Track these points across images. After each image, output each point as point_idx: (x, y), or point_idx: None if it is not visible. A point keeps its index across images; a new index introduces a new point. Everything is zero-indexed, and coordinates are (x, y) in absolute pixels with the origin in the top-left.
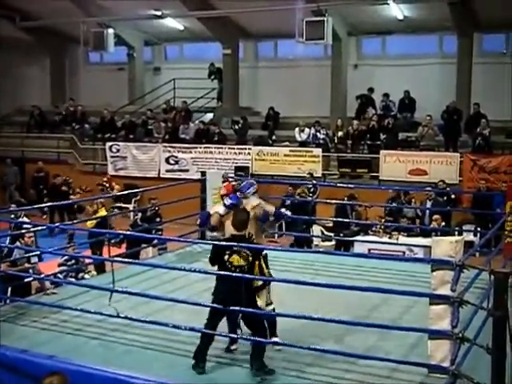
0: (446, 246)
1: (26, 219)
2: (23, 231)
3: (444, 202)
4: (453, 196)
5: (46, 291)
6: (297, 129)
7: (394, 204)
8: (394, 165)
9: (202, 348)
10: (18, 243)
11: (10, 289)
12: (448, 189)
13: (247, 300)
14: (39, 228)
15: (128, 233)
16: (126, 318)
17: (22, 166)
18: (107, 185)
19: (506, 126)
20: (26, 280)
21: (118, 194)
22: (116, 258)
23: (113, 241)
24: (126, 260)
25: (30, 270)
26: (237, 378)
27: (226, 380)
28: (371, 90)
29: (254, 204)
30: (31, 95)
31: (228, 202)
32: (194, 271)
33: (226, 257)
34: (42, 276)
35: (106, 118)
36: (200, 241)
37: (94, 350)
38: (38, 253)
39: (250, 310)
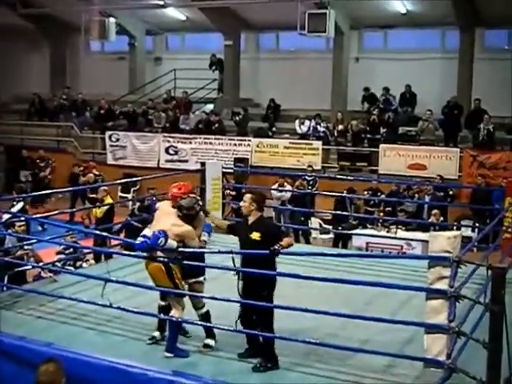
0: (443, 241)
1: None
2: (14, 220)
3: (442, 197)
4: (451, 192)
5: (49, 278)
6: (297, 121)
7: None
8: (394, 159)
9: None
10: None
11: (6, 277)
12: (442, 184)
13: None
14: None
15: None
16: (119, 308)
17: (20, 154)
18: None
19: (506, 123)
20: (23, 268)
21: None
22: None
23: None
24: (123, 252)
25: (26, 257)
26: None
27: (222, 372)
28: (367, 89)
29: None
30: (31, 83)
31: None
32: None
33: None
34: (40, 264)
35: (104, 108)
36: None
37: (91, 338)
38: (34, 241)
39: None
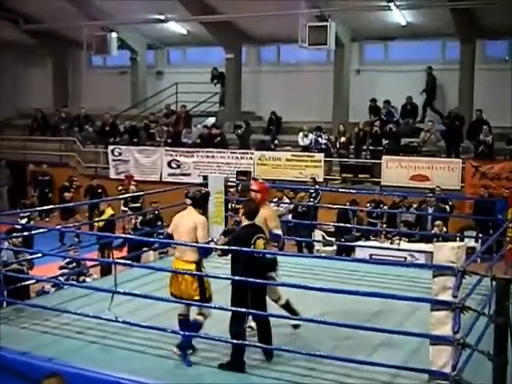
0: (447, 252)
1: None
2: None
3: (445, 209)
4: (450, 203)
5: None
6: (301, 133)
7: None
8: (396, 170)
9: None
10: (6, 244)
11: (6, 292)
12: (443, 195)
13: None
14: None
15: (131, 237)
16: (124, 322)
17: (23, 169)
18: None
19: (508, 133)
20: (26, 283)
21: (121, 196)
22: (120, 261)
23: (114, 244)
24: (130, 262)
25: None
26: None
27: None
28: (374, 100)
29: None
30: (33, 98)
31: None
32: (196, 275)
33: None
34: (44, 278)
35: (108, 122)
36: (199, 244)
37: (95, 353)
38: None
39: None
